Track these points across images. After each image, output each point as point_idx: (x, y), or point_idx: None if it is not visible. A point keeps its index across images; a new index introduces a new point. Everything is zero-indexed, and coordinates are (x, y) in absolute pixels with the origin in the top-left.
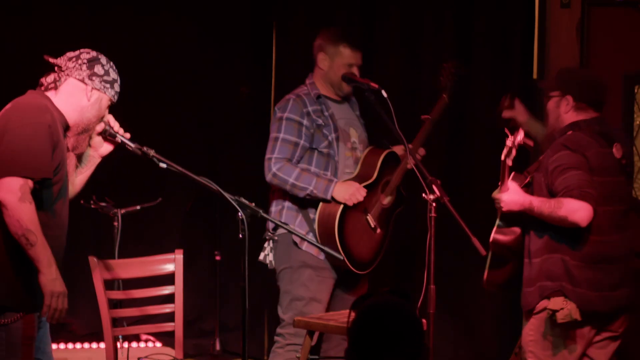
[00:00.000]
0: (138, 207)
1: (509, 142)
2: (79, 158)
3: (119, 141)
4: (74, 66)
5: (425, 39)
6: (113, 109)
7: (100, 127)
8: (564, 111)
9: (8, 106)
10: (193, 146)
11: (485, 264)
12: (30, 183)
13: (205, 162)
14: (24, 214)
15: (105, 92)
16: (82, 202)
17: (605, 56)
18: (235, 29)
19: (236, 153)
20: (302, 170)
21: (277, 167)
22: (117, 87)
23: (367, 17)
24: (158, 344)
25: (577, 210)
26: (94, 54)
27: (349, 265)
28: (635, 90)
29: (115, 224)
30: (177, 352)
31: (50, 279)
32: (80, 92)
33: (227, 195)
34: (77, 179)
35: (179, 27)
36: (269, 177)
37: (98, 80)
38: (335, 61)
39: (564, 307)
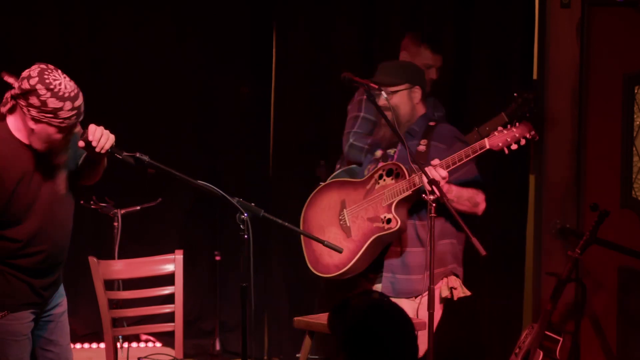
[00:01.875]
0: (138, 208)
1: None
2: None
3: (107, 153)
4: (16, 92)
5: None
6: (104, 112)
7: (81, 144)
8: (417, 101)
9: None
10: (193, 146)
11: None
12: None
13: (205, 163)
14: None
15: (48, 123)
16: (82, 202)
17: (606, 56)
18: (235, 30)
19: (236, 153)
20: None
21: (354, 138)
22: (63, 113)
23: (368, 17)
24: (158, 344)
25: (484, 201)
26: (33, 81)
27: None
28: (636, 91)
29: (115, 224)
30: (177, 352)
31: None
32: (25, 118)
33: (229, 198)
34: (86, 174)
35: (178, 27)
36: (345, 148)
37: (35, 111)
38: (416, 62)
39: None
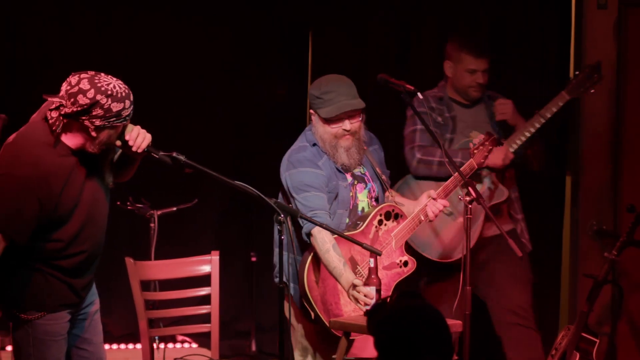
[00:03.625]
0: (174, 209)
1: None
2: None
3: (144, 152)
4: (73, 110)
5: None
6: (141, 113)
7: (118, 143)
8: None
9: (10, 139)
10: (229, 148)
11: None
12: None
13: (240, 164)
14: None
15: (112, 126)
16: (118, 203)
17: None
18: (271, 32)
19: (271, 155)
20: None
21: (420, 153)
22: (125, 111)
23: (403, 21)
24: (194, 345)
25: None
26: (90, 93)
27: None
28: None
29: (152, 225)
30: (213, 353)
31: None
32: (85, 131)
33: (266, 198)
34: (120, 172)
35: (215, 31)
36: (414, 164)
37: (99, 120)
38: (459, 68)
39: None
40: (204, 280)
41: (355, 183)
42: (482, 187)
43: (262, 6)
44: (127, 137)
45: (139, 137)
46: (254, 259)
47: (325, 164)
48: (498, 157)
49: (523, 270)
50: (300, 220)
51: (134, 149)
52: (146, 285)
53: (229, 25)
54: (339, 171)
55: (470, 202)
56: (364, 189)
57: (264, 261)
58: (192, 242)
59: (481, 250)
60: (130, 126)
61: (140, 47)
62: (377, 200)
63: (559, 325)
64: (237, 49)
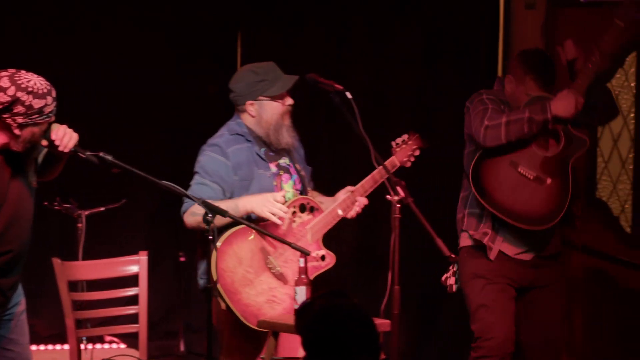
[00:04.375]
0: (102, 209)
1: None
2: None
3: (71, 152)
4: None
5: (393, 40)
6: (72, 113)
7: (44, 142)
8: None
9: None
10: (159, 147)
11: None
12: None
13: (171, 163)
14: None
15: (35, 124)
16: (46, 203)
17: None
18: (202, 30)
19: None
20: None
21: (488, 120)
22: (48, 107)
23: (333, 22)
24: (122, 346)
25: None
26: (10, 91)
27: None
28: None
29: (80, 225)
30: (141, 354)
31: None
32: (7, 129)
33: (194, 198)
34: (45, 172)
35: (143, 29)
36: (482, 132)
37: (22, 118)
38: (519, 89)
39: None
40: (132, 280)
41: (281, 173)
42: (560, 143)
43: (193, 7)
44: (53, 137)
45: (65, 136)
46: (182, 259)
47: (239, 151)
48: (569, 104)
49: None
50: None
51: (60, 148)
52: (74, 285)
53: (158, 24)
54: (263, 159)
55: (399, 202)
56: (289, 179)
57: (193, 261)
58: (120, 242)
59: None
60: (56, 125)
61: (72, 47)
62: (301, 193)
63: None
64: (169, 50)
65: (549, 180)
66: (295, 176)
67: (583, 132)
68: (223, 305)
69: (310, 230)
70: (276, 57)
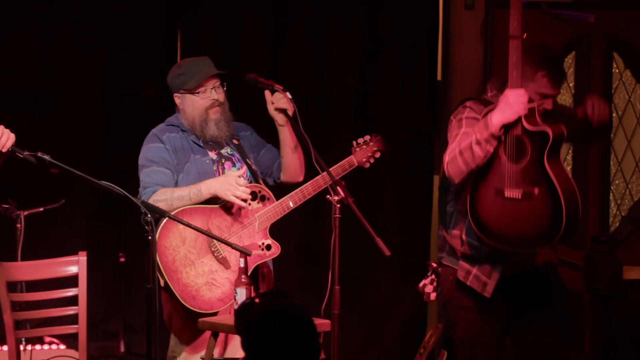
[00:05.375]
0: (41, 209)
1: None
2: None
3: (8, 151)
4: None
5: (332, 39)
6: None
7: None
8: None
9: None
10: (99, 148)
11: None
12: None
13: (111, 164)
14: None
15: None
16: None
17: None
18: (141, 32)
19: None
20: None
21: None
22: None
23: (276, 19)
24: (62, 346)
25: None
26: None
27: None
28: None
29: (18, 225)
30: (80, 354)
31: None
32: None
33: (133, 198)
34: None
35: (81, 28)
36: (446, 170)
37: None
38: (529, 87)
39: None
40: (72, 281)
41: (223, 161)
42: (527, 147)
43: (132, 7)
44: None
45: (2, 137)
46: (122, 259)
47: (173, 138)
48: (508, 106)
49: None
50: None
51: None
52: (12, 286)
53: (97, 24)
54: (199, 147)
55: (339, 202)
56: (232, 166)
57: (133, 262)
58: (59, 242)
59: None
60: None
61: (10, 46)
62: (250, 182)
63: (427, 323)
64: (107, 50)
65: (536, 190)
66: (239, 164)
67: (553, 122)
68: (162, 283)
69: (258, 218)
70: (216, 54)
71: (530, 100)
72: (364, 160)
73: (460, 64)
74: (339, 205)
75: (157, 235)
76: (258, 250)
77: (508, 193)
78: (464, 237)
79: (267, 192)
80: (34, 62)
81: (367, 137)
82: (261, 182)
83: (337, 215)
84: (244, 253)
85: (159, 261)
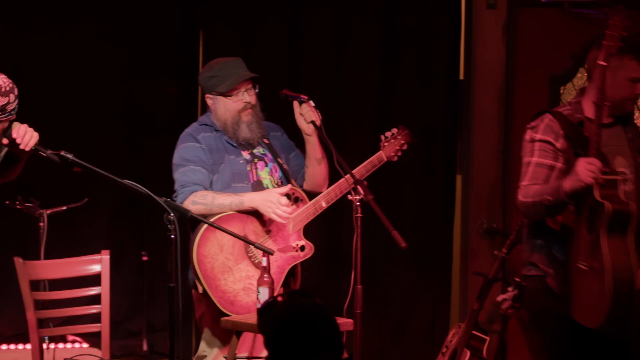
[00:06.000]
0: (64, 208)
1: None
2: None
3: (32, 149)
4: None
5: (353, 38)
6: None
7: (4, 141)
8: None
9: None
10: (120, 147)
11: None
12: None
13: (132, 163)
14: None
15: None
16: (7, 202)
17: (531, 57)
18: (163, 31)
19: (162, 154)
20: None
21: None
22: (10, 105)
23: (294, 21)
24: (85, 345)
25: None
26: None
27: None
28: (561, 91)
29: (41, 224)
30: (103, 353)
31: None
32: None
33: (156, 197)
34: (5, 172)
35: (104, 28)
36: (520, 205)
37: None
38: (618, 77)
39: None
40: (94, 279)
41: (256, 161)
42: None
43: (153, 6)
44: (14, 135)
45: (26, 135)
46: (145, 258)
47: (207, 138)
48: (579, 175)
49: None
50: (175, 201)
51: (21, 146)
52: (36, 285)
53: (120, 23)
54: (233, 146)
55: (360, 201)
56: (265, 167)
57: (156, 260)
58: (82, 241)
59: None
60: (17, 124)
61: (26, 44)
62: (282, 183)
63: (449, 323)
64: (127, 48)
65: (595, 264)
66: (271, 164)
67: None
68: (200, 289)
69: (292, 220)
70: (237, 54)
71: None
72: (392, 154)
73: (483, 63)
74: (360, 204)
75: (198, 237)
76: (292, 252)
77: (580, 263)
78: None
79: (300, 193)
80: (56, 61)
81: (394, 130)
82: (293, 182)
83: (359, 215)
84: (267, 252)
85: (198, 269)
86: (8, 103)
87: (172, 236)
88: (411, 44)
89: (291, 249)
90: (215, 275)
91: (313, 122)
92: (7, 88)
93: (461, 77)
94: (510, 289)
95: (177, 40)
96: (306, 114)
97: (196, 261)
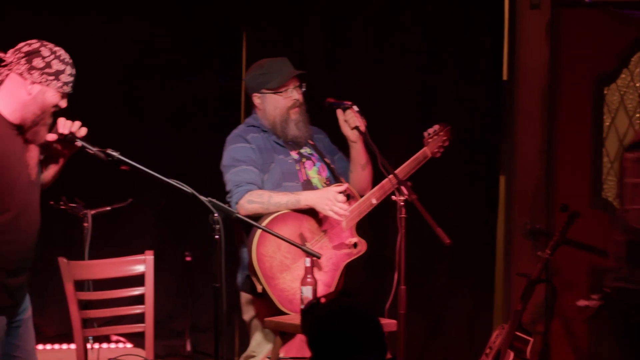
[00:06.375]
0: (108, 208)
1: None
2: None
3: (79, 145)
4: (14, 60)
5: (393, 41)
6: (75, 110)
7: (52, 136)
8: None
9: None
10: (163, 147)
11: None
12: None
13: (174, 164)
14: None
15: (48, 85)
16: (51, 203)
17: (575, 57)
18: (207, 33)
19: (206, 153)
20: None
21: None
22: (65, 77)
23: (336, 22)
24: (128, 345)
25: None
26: (35, 45)
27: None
28: (605, 92)
29: (86, 224)
30: (147, 353)
31: None
32: (20, 87)
33: (201, 197)
34: (42, 175)
35: (149, 26)
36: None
37: (37, 73)
38: None
39: None
40: (138, 279)
41: (303, 160)
42: None
43: (197, 5)
44: (60, 130)
45: (75, 124)
46: (189, 258)
47: (256, 138)
48: None
49: None
50: (229, 201)
51: (71, 134)
52: (80, 285)
53: (165, 24)
54: (281, 146)
55: (404, 201)
56: (313, 166)
57: (199, 260)
58: (126, 241)
59: None
60: (62, 119)
61: (78, 43)
62: (331, 182)
63: (492, 324)
64: (173, 48)
65: None
66: (318, 164)
67: None
68: (260, 289)
69: (344, 217)
70: (279, 54)
71: None
72: (435, 150)
73: (526, 63)
74: (403, 205)
75: (256, 236)
76: (346, 249)
77: None
78: None
79: (351, 190)
80: (99, 60)
81: (437, 127)
82: (342, 181)
83: (403, 215)
84: (314, 256)
85: (258, 268)
86: (63, 72)
87: (217, 236)
88: (454, 45)
89: (345, 246)
90: (274, 274)
91: (357, 128)
92: (67, 60)
93: (504, 77)
94: (595, 296)
95: (221, 40)
96: (350, 120)
97: (256, 260)
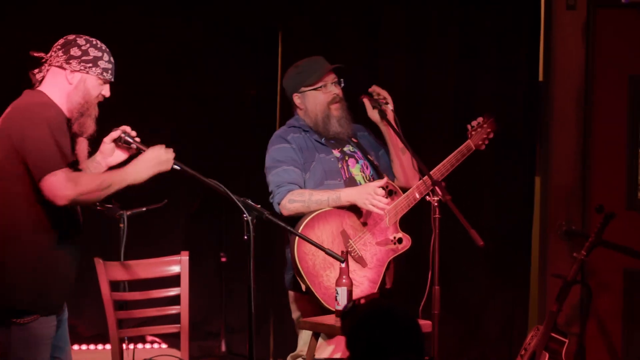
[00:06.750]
0: (144, 209)
1: None
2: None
3: (134, 148)
4: (52, 54)
5: (431, 41)
6: (113, 110)
7: (115, 133)
8: None
9: (8, 110)
10: (199, 148)
11: None
12: (66, 169)
13: (210, 165)
14: (85, 188)
15: (87, 72)
16: None
17: (611, 58)
18: (242, 32)
19: (241, 155)
20: None
21: None
22: (103, 63)
23: (373, 20)
24: (164, 346)
25: None
26: (70, 37)
27: None
28: None
29: (121, 225)
30: (182, 354)
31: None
32: (61, 79)
33: (233, 197)
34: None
35: (187, 29)
36: None
37: (76, 62)
38: None
39: None
40: (174, 280)
41: (346, 158)
42: None
43: (232, 8)
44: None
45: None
46: (223, 259)
47: (297, 138)
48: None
49: None
50: (271, 202)
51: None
52: (115, 285)
53: (201, 24)
54: (323, 145)
55: (438, 202)
56: (356, 163)
57: (234, 262)
58: (161, 242)
59: None
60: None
61: (110, 45)
62: (375, 178)
63: (528, 325)
64: (208, 50)
65: None
66: (362, 161)
67: None
68: (304, 287)
69: (387, 213)
70: (315, 54)
71: None
72: (479, 142)
73: (562, 64)
74: (437, 205)
75: (300, 227)
76: (390, 245)
77: None
78: None
79: (394, 186)
80: (137, 61)
81: (480, 119)
82: (385, 177)
83: (437, 216)
84: (338, 259)
85: (300, 267)
86: (100, 58)
87: (245, 237)
88: (490, 45)
89: (389, 242)
90: (317, 272)
91: (379, 110)
92: (103, 47)
93: (540, 78)
94: None
95: (258, 42)
96: (375, 103)
97: (297, 259)
